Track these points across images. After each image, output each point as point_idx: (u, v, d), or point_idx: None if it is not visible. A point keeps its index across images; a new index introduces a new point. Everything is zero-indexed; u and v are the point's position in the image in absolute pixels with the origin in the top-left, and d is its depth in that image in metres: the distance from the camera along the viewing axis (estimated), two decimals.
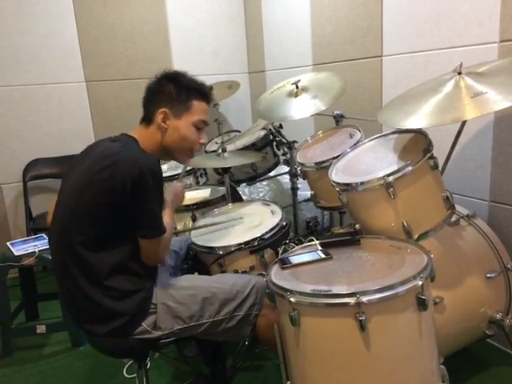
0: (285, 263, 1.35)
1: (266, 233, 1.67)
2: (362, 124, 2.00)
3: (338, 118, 2.18)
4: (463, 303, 1.55)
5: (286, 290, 1.17)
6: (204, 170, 2.75)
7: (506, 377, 1.76)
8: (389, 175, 1.38)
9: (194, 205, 2.11)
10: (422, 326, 1.16)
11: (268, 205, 1.95)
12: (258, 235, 1.66)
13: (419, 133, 1.53)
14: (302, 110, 2.04)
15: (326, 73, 2.27)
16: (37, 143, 3.07)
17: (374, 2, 2.31)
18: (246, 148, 2.45)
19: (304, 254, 1.40)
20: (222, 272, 1.66)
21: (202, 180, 2.74)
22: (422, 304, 1.13)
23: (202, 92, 1.47)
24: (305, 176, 1.98)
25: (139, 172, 1.25)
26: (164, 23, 3.34)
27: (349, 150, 1.73)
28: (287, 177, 2.42)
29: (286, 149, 2.38)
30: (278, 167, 2.60)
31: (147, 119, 1.46)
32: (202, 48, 3.50)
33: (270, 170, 2.57)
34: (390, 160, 1.50)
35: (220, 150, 2.26)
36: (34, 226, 2.93)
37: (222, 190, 2.30)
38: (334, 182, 1.54)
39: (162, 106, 1.41)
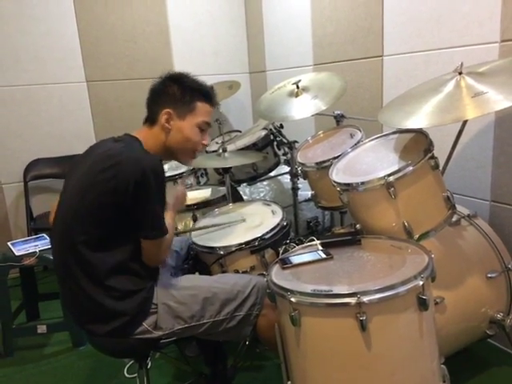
0: (285, 263, 1.35)
1: (267, 233, 1.67)
2: (363, 124, 2.00)
3: (339, 118, 2.18)
4: (464, 303, 1.55)
5: (287, 290, 1.17)
6: (205, 169, 2.75)
7: (506, 377, 1.76)
8: (389, 175, 1.38)
9: (194, 205, 2.11)
10: (423, 326, 1.16)
11: (269, 205, 1.95)
12: (259, 235, 1.66)
13: (420, 133, 1.53)
14: (302, 109, 2.04)
15: (327, 73, 2.27)
16: (38, 143, 3.07)
17: (375, 2, 2.31)
18: (246, 148, 2.45)
19: (305, 254, 1.40)
20: (223, 272, 1.66)
21: (203, 180, 2.74)
22: (422, 304, 1.13)
23: (206, 94, 1.47)
24: (305, 176, 1.98)
25: (142, 172, 1.25)
26: (165, 24, 3.34)
27: (349, 150, 1.73)
28: (288, 177, 2.42)
29: (286, 149, 2.38)
30: (278, 167, 2.60)
31: (151, 120, 1.46)
32: (203, 48, 3.51)
33: (271, 170, 2.57)
34: (391, 160, 1.50)
35: (221, 150, 2.26)
36: (34, 226, 2.94)
37: (223, 189, 2.30)
38: (334, 181, 1.54)
39: (165, 107, 1.42)
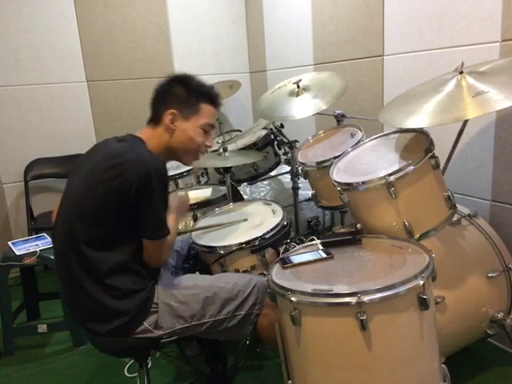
0: (286, 263, 1.35)
1: (267, 232, 1.67)
2: (364, 123, 2.00)
3: (340, 118, 2.18)
4: (464, 303, 1.55)
5: (287, 290, 1.17)
6: (205, 169, 2.75)
7: (507, 376, 1.75)
8: (390, 175, 1.38)
9: (195, 204, 2.11)
10: (424, 326, 1.16)
11: (269, 204, 1.95)
12: (259, 235, 1.66)
13: (420, 132, 1.53)
14: (303, 109, 2.04)
15: (328, 72, 2.27)
16: (38, 143, 3.07)
17: (375, 2, 2.31)
18: (247, 147, 2.45)
19: (305, 254, 1.40)
20: (223, 271, 1.66)
21: (203, 179, 2.74)
22: (423, 303, 1.13)
23: (211, 96, 1.48)
24: (306, 175, 1.98)
25: (146, 173, 1.26)
26: (165, 23, 3.34)
27: (350, 150, 1.73)
28: (288, 176, 2.41)
29: (287, 148, 2.38)
30: (279, 167, 2.60)
31: (155, 120, 1.46)
32: (204, 48, 3.51)
33: (271, 170, 2.56)
34: (392, 159, 1.50)
35: (221, 150, 2.26)
36: (35, 226, 2.94)
37: (223, 189, 2.30)
38: (335, 181, 1.54)
39: (170, 108, 1.42)
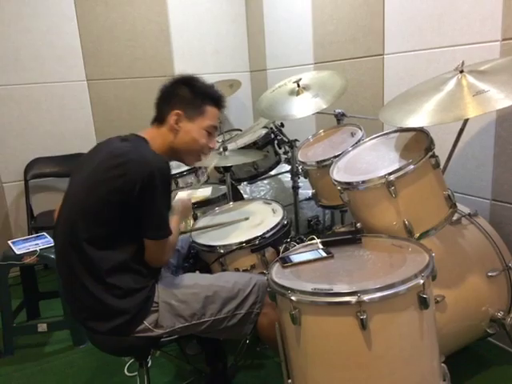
0: (286, 262, 1.35)
1: (267, 231, 1.67)
2: (364, 122, 1.99)
3: (340, 117, 2.17)
4: (464, 302, 1.55)
5: (287, 289, 1.17)
6: (205, 168, 2.74)
7: (507, 375, 1.75)
8: (390, 174, 1.38)
9: (195, 203, 2.11)
10: (424, 325, 1.16)
11: (269, 203, 1.95)
12: (259, 234, 1.66)
13: (421, 131, 1.53)
14: (303, 108, 2.04)
15: (328, 71, 2.27)
16: (38, 142, 3.07)
17: (376, 1, 2.30)
18: (247, 147, 2.45)
19: (305, 253, 1.40)
20: (223, 270, 1.66)
21: (203, 179, 2.74)
22: (423, 303, 1.13)
23: (216, 98, 1.51)
24: (306, 175, 1.98)
25: (149, 173, 1.26)
26: (165, 22, 3.33)
27: (350, 149, 1.73)
28: (288, 175, 2.42)
29: (287, 147, 2.38)
30: (279, 166, 2.60)
31: (159, 120, 1.47)
32: (204, 47, 3.50)
33: (271, 169, 2.56)
34: (392, 159, 1.50)
35: (221, 149, 2.26)
36: (35, 225, 2.94)
37: (223, 188, 2.30)
38: (335, 180, 1.54)
39: (175, 108, 1.43)
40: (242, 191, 2.53)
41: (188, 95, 1.45)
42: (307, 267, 1.32)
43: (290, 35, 3.09)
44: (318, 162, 1.85)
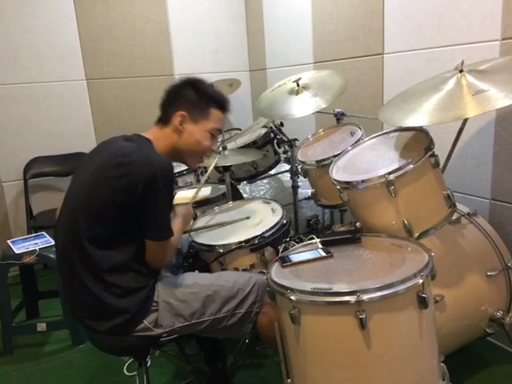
0: (285, 261, 1.35)
1: (267, 231, 1.67)
2: (363, 122, 1.99)
3: (339, 116, 2.17)
4: (464, 301, 1.55)
5: (287, 288, 1.17)
6: (205, 168, 2.74)
7: (506, 375, 1.76)
8: (390, 173, 1.38)
9: (194, 203, 2.11)
10: (423, 325, 1.16)
11: (268, 203, 1.95)
12: (259, 233, 1.66)
13: (420, 131, 1.53)
14: (302, 107, 2.04)
15: (327, 70, 2.27)
16: (37, 141, 3.07)
17: (375, 0, 2.30)
18: (246, 146, 2.45)
19: (304, 252, 1.40)
20: (223, 270, 1.66)
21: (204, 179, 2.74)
22: (422, 302, 1.13)
23: (221, 102, 1.51)
24: (306, 174, 1.98)
25: (152, 174, 1.26)
26: (165, 21, 3.33)
27: (350, 148, 1.72)
28: (288, 175, 2.42)
29: (286, 147, 2.38)
30: (278, 165, 2.60)
31: (164, 120, 1.47)
32: (203, 46, 3.50)
33: (271, 168, 2.56)
34: (391, 158, 1.50)
35: (221, 148, 2.25)
36: (34, 224, 2.94)
37: (223, 188, 2.30)
38: (334, 180, 1.54)
39: (180, 110, 1.43)
40: (241, 190, 2.53)
41: (193, 97, 1.45)
42: (306, 267, 1.32)
43: (289, 34, 3.09)
44: (317, 162, 1.85)
